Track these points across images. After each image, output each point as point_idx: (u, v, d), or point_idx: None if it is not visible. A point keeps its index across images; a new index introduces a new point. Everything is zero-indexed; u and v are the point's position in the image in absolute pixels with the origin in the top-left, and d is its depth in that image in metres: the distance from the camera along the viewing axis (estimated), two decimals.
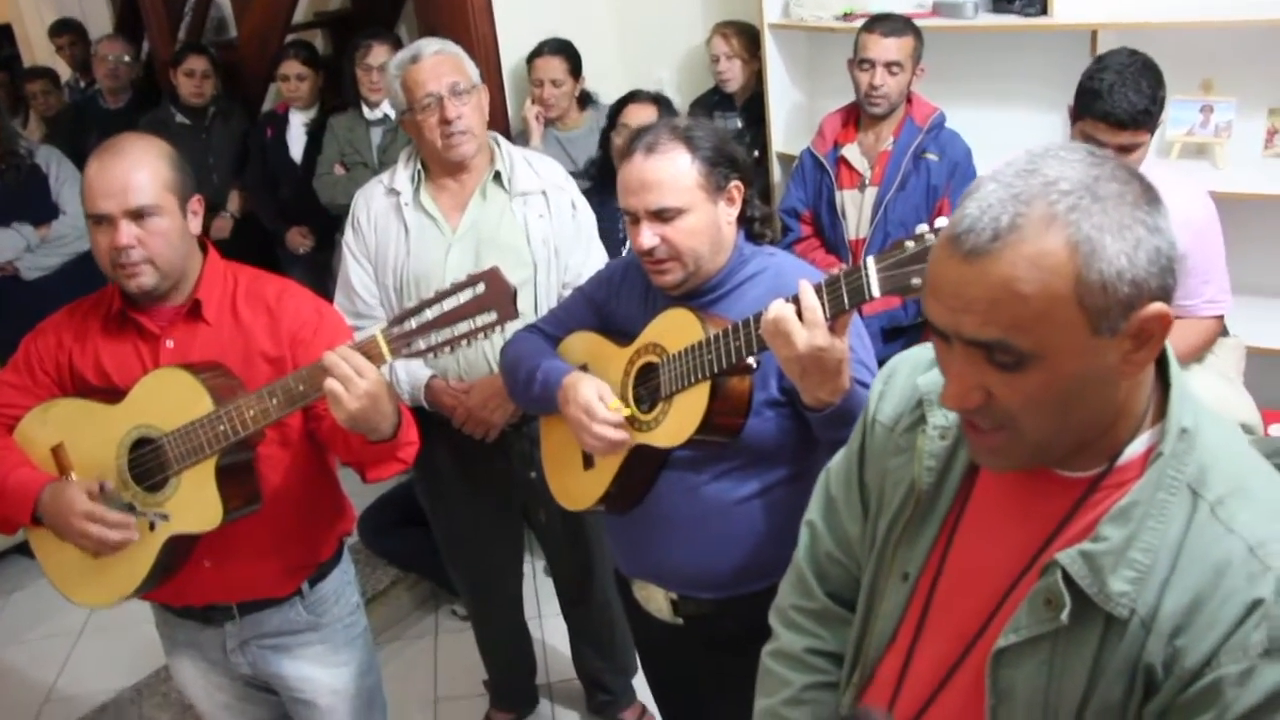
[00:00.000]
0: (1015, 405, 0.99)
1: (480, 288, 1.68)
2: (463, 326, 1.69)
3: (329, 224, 4.28)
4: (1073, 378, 0.97)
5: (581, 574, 2.85)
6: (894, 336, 3.16)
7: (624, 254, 2.31)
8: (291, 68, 4.39)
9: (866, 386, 1.71)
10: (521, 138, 3.76)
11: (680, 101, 3.85)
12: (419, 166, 2.53)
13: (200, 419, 1.78)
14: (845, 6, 3.60)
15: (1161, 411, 1.05)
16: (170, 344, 1.91)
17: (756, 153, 3.86)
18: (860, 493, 1.33)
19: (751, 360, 1.68)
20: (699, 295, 1.86)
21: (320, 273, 4.37)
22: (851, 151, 3.18)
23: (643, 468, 1.89)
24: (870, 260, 1.48)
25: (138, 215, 1.81)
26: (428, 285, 2.35)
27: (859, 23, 3.17)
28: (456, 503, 2.77)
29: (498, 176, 2.52)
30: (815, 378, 1.58)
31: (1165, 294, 0.96)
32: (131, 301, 1.91)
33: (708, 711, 2.17)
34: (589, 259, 2.55)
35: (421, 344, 1.71)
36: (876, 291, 1.49)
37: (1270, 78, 3.10)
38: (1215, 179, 3.05)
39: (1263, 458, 1.07)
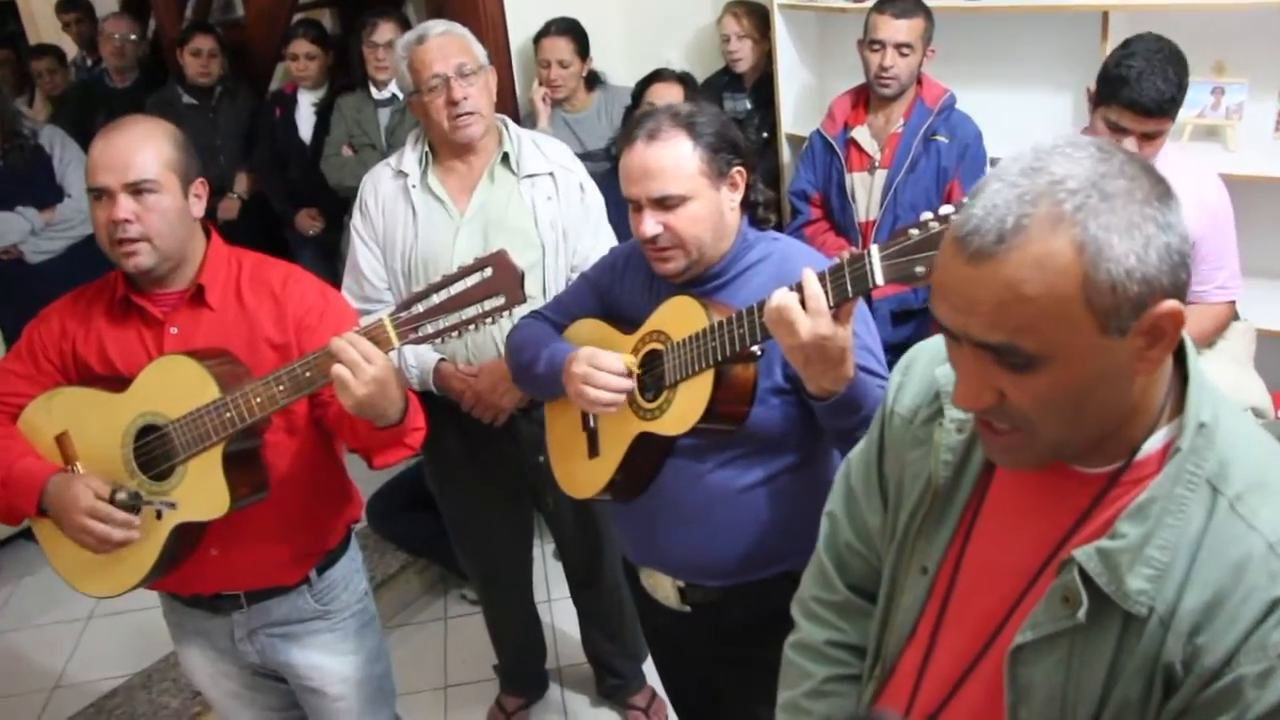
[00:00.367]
0: (1027, 405, 0.98)
1: (488, 272, 1.67)
2: (470, 311, 1.68)
3: (338, 206, 4.25)
4: (1084, 377, 0.95)
5: (590, 557, 2.85)
6: (904, 319, 3.15)
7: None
8: (300, 47, 4.34)
9: (872, 374, 1.71)
10: (530, 119, 3.74)
11: None
12: (427, 149, 2.51)
13: (206, 406, 1.77)
14: None
15: (1180, 405, 1.03)
16: (174, 330, 1.90)
17: (766, 134, 3.84)
18: (880, 484, 1.32)
19: (756, 348, 1.67)
20: (703, 282, 1.84)
21: (330, 254, 4.35)
22: (861, 134, 3.15)
23: (648, 455, 1.88)
24: (874, 249, 1.47)
25: (136, 190, 1.80)
26: (436, 268, 2.34)
27: (869, 3, 3.14)
28: (465, 487, 2.77)
29: (506, 159, 2.50)
30: (819, 366, 1.56)
31: (1178, 290, 0.94)
32: (135, 286, 1.90)
33: (717, 697, 2.18)
34: (597, 242, 2.54)
35: (429, 329, 1.70)
36: (880, 280, 1.47)
37: None
38: (1226, 161, 3.02)
39: None
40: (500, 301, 1.67)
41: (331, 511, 2.09)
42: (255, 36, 5.00)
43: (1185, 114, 3.11)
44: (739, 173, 1.82)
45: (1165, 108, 2.30)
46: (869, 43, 3.06)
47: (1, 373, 1.97)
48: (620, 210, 1.92)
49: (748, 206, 1.88)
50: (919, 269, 1.43)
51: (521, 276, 1.68)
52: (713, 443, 1.83)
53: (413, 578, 3.71)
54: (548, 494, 2.68)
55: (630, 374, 1.82)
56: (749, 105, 3.86)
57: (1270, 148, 3.11)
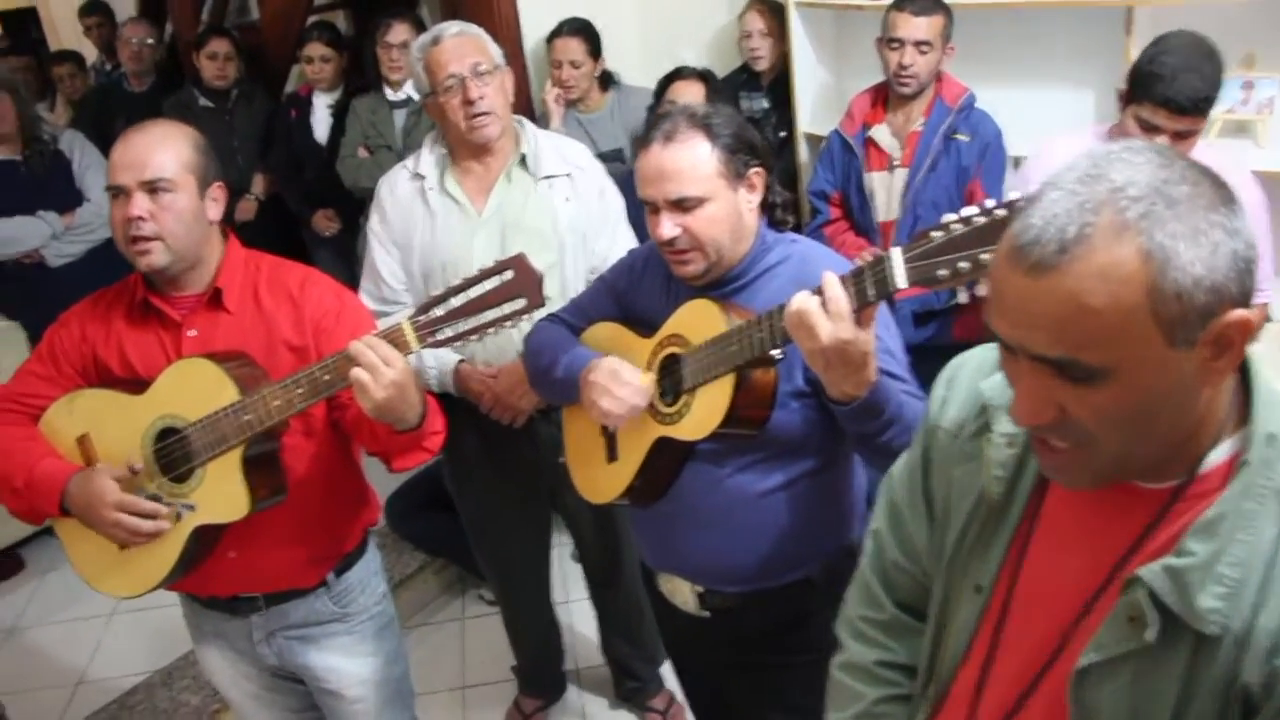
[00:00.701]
0: (1089, 420, 0.94)
1: (508, 275, 1.66)
2: (490, 314, 1.67)
3: (355, 207, 4.27)
4: (1149, 391, 0.92)
5: (610, 558, 2.84)
6: (926, 320, 3.13)
7: None
8: (315, 49, 4.36)
9: (894, 377, 1.69)
10: (544, 120, 3.73)
11: None
12: (444, 150, 2.51)
13: (225, 409, 1.77)
14: None
15: (1244, 417, 0.99)
16: (193, 333, 1.90)
17: (783, 134, 3.82)
18: (925, 501, 1.29)
19: (776, 352, 1.65)
20: (721, 285, 1.83)
21: (347, 256, 4.37)
22: (880, 133, 3.13)
23: (667, 460, 1.87)
24: (896, 252, 1.45)
25: (152, 189, 1.80)
26: (454, 270, 2.34)
27: (887, 0, 3.12)
28: (484, 488, 2.76)
29: (523, 160, 2.49)
30: (840, 371, 1.54)
31: (1245, 298, 0.91)
32: (153, 288, 1.91)
33: (734, 702, 2.16)
34: (616, 243, 2.52)
35: (448, 332, 1.69)
36: (902, 283, 1.45)
37: None
38: (1257, 157, 2.98)
39: None
40: (520, 305, 1.67)
41: (349, 515, 2.09)
42: (270, 39, 5.01)
43: (1214, 109, 3.08)
44: (757, 174, 1.80)
45: (1200, 106, 2.27)
46: (888, 41, 3.03)
47: (23, 375, 1.98)
48: (639, 211, 1.91)
49: (766, 208, 1.86)
50: (941, 272, 1.41)
51: (541, 280, 1.67)
52: (732, 447, 1.81)
53: (430, 578, 3.71)
54: (567, 495, 2.68)
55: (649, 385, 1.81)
56: (766, 104, 3.84)
57: None
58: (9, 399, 1.96)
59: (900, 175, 3.09)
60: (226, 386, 1.78)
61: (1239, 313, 0.90)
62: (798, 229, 2.11)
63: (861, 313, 1.50)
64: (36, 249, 3.99)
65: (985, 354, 1.23)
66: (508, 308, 1.67)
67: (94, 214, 4.04)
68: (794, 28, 3.65)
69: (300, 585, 2.04)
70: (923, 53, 2.99)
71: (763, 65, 3.79)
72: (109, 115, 4.82)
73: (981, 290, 1.44)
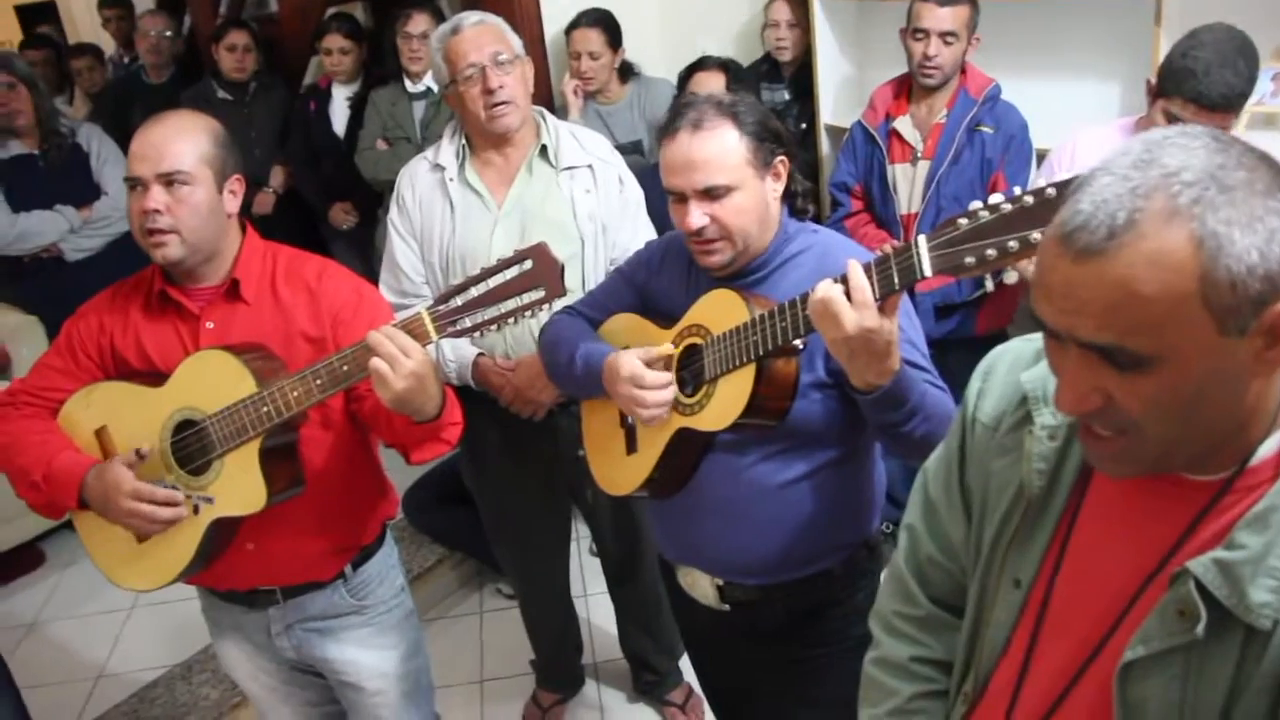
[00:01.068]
0: (1136, 409, 0.92)
1: (527, 264, 1.64)
2: (509, 304, 1.65)
3: (373, 200, 4.26)
4: (1198, 379, 0.90)
5: (629, 551, 2.82)
6: (947, 314, 3.10)
7: None
8: (334, 41, 4.34)
9: (916, 367, 1.67)
10: (563, 112, 3.71)
11: None
12: (464, 142, 2.49)
13: (243, 401, 1.76)
14: None
15: None
16: (210, 325, 1.89)
17: (804, 125, 3.79)
18: (962, 495, 1.27)
19: (798, 342, 1.63)
20: (742, 275, 1.81)
21: (364, 249, 4.36)
22: (904, 124, 3.10)
23: (687, 452, 1.85)
24: (922, 239, 1.43)
25: (169, 181, 1.79)
26: (474, 262, 2.32)
27: None
28: (502, 482, 2.75)
29: (544, 151, 2.47)
30: (863, 360, 1.52)
31: None
32: (171, 280, 1.90)
33: (753, 696, 2.14)
34: (636, 235, 2.50)
35: (468, 322, 1.67)
36: (928, 271, 1.43)
37: None
38: None
39: None
40: (540, 294, 1.65)
41: (367, 507, 2.08)
42: (289, 31, 5.01)
43: None
44: (782, 162, 1.78)
45: (1233, 102, 2.23)
46: (912, 31, 3.00)
47: (41, 368, 1.98)
48: (657, 203, 1.89)
49: (787, 197, 1.84)
50: (968, 259, 1.39)
51: (562, 269, 1.66)
52: (753, 438, 1.79)
53: (449, 571, 3.71)
54: (586, 489, 2.66)
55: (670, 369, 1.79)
56: (787, 96, 3.81)
57: None
58: (27, 393, 1.96)
59: (923, 167, 3.05)
60: (244, 378, 1.76)
61: None
62: (818, 220, 2.08)
63: (885, 301, 1.48)
64: (54, 243, 3.99)
65: (1023, 346, 1.21)
66: (527, 297, 1.65)
67: (111, 207, 4.04)
68: (816, 18, 3.63)
69: (318, 578, 2.03)
70: (948, 44, 2.95)
71: (787, 56, 3.76)
72: (127, 108, 4.82)
73: (1010, 278, 1.41)
